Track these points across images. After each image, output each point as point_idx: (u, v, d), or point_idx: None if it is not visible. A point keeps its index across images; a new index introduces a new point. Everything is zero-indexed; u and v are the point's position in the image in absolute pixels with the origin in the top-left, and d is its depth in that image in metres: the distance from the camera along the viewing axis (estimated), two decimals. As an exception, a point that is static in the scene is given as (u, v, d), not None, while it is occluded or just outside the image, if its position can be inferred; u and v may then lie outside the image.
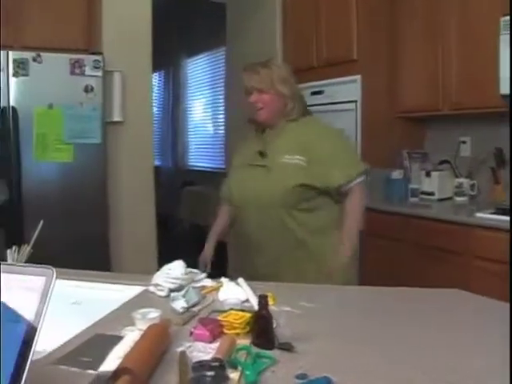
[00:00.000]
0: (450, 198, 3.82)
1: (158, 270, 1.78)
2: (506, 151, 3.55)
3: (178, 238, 7.69)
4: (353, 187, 2.25)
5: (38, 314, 0.86)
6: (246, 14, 5.05)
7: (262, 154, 2.30)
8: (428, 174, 3.86)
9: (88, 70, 3.68)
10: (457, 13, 3.47)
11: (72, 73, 3.64)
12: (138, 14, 4.11)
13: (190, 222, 7.69)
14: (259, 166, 2.29)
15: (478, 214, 3.11)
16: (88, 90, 3.68)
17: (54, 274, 0.88)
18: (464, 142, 3.92)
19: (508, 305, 1.64)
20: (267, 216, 2.22)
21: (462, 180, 3.77)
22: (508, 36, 3.07)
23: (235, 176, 2.45)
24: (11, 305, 0.88)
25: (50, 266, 0.89)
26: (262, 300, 1.29)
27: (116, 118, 3.99)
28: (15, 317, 0.87)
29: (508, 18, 3.08)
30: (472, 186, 3.75)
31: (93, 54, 3.75)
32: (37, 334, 0.86)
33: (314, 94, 3.94)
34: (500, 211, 3.07)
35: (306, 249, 2.23)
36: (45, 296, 0.87)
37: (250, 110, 2.40)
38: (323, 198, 2.25)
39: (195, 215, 7.42)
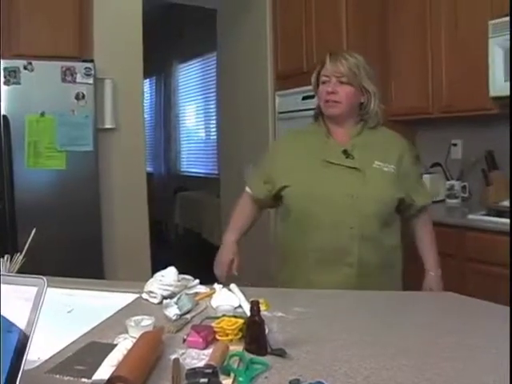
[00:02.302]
0: (442, 201, 3.84)
1: (151, 276, 1.78)
2: (497, 153, 3.57)
3: (172, 243, 7.70)
4: (427, 208, 2.24)
5: (30, 323, 0.87)
6: (236, 20, 5.06)
7: (347, 154, 2.04)
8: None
9: (79, 78, 3.69)
10: (447, 17, 3.50)
11: (63, 80, 3.65)
12: (128, 21, 4.12)
13: (183, 227, 7.71)
14: (347, 168, 2.02)
15: (470, 216, 3.13)
16: (79, 97, 3.68)
17: (46, 283, 0.88)
18: (455, 145, 3.94)
19: (504, 307, 1.65)
20: (357, 224, 1.98)
21: (453, 182, 3.79)
22: (497, 39, 3.10)
23: (307, 173, 2.07)
24: (4, 314, 0.89)
25: (41, 276, 0.89)
26: (254, 306, 1.29)
27: (108, 125, 3.99)
28: (8, 326, 0.88)
29: (496, 21, 3.11)
30: (463, 188, 3.78)
31: (84, 61, 3.75)
32: (29, 342, 0.86)
33: (305, 98, 3.95)
34: (492, 213, 3.09)
35: (389, 264, 2.10)
36: (37, 305, 0.87)
37: (321, 101, 2.11)
38: (397, 214, 2.15)
39: (188, 220, 7.43)
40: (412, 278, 2.13)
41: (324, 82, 2.07)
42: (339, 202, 1.98)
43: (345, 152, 2.04)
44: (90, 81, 3.72)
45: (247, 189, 2.25)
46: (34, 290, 0.89)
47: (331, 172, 2.02)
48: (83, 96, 3.70)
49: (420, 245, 2.25)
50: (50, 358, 1.25)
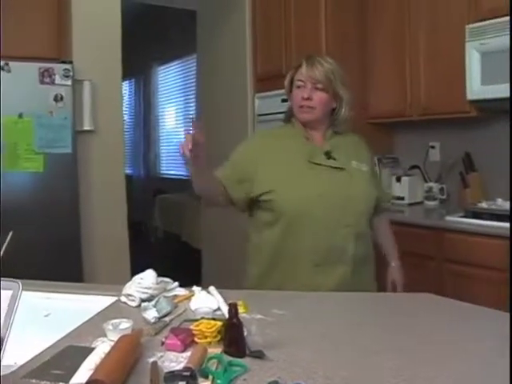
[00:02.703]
0: (420, 203, 3.87)
1: (130, 279, 1.77)
2: (474, 155, 3.62)
3: (152, 245, 7.67)
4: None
5: (5, 326, 0.86)
6: (216, 22, 5.06)
7: (328, 155, 2.07)
8: (398, 179, 3.91)
9: (58, 79, 3.65)
10: (425, 21, 3.55)
11: (41, 82, 3.62)
12: (107, 22, 4.09)
13: (163, 229, 7.68)
14: (332, 168, 2.05)
15: (448, 218, 3.16)
16: (58, 99, 3.65)
17: (21, 287, 0.88)
18: (433, 147, 3.98)
19: (481, 307, 1.67)
20: (351, 222, 2.02)
21: (431, 184, 3.83)
22: (474, 43, 3.14)
23: (297, 174, 2.04)
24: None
25: (16, 280, 0.88)
26: (232, 308, 1.29)
27: (87, 127, 3.96)
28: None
29: (473, 25, 3.16)
30: (441, 190, 3.82)
31: (62, 62, 3.72)
32: (3, 346, 0.85)
33: (284, 101, 3.94)
34: (469, 214, 3.13)
35: (372, 260, 2.18)
36: (11, 309, 0.87)
37: (295, 106, 2.10)
38: None
39: (168, 223, 7.41)
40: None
41: (299, 87, 2.07)
42: (334, 201, 2.00)
43: (327, 153, 2.06)
44: (69, 82, 3.69)
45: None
46: (8, 293, 0.88)
47: (318, 173, 2.03)
48: (62, 98, 3.66)
49: (384, 240, 2.36)
50: (27, 362, 1.23)
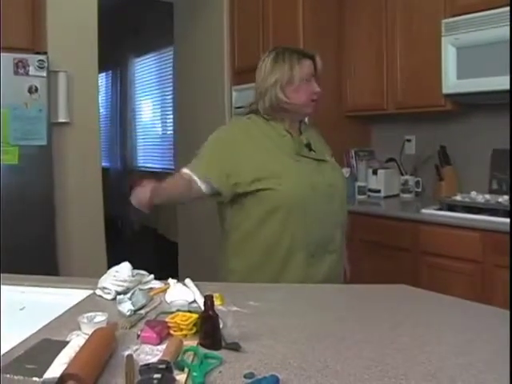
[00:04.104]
0: (396, 195, 3.91)
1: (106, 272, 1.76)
2: (449, 149, 3.66)
3: (128, 239, 7.64)
4: None
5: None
6: (193, 14, 5.03)
7: (310, 148, 2.14)
8: (375, 172, 3.93)
9: (32, 70, 3.61)
10: (401, 16, 3.57)
11: (16, 73, 3.56)
12: (84, 13, 4.04)
13: (139, 223, 7.65)
14: (315, 160, 2.12)
15: (424, 211, 3.19)
16: (32, 90, 3.60)
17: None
18: (409, 141, 4.02)
19: (456, 298, 1.69)
20: (338, 211, 2.12)
21: (407, 177, 3.87)
22: (450, 37, 3.17)
23: (289, 166, 2.03)
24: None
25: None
26: (208, 300, 1.29)
27: (62, 119, 3.91)
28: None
29: (449, 20, 3.19)
30: (417, 183, 3.86)
31: (37, 53, 3.67)
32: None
33: (261, 93, 3.96)
34: (444, 207, 3.16)
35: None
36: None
37: (306, 100, 2.11)
38: None
39: (145, 216, 7.36)
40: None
41: (308, 80, 2.10)
42: (323, 191, 2.04)
43: (307, 145, 2.12)
44: (44, 73, 3.64)
45: (195, 177, 1.99)
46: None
47: (305, 165, 2.06)
48: (36, 89, 3.62)
49: None
50: (0, 357, 1.22)
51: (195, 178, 1.98)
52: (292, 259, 2.00)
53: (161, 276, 1.86)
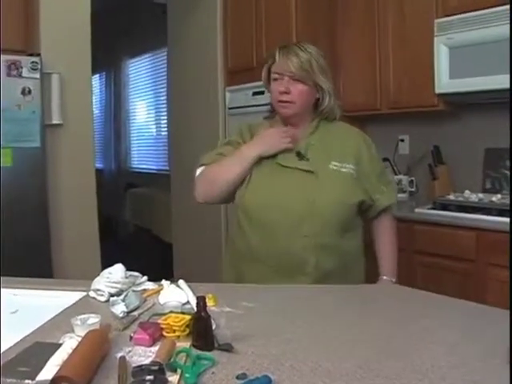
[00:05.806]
0: (390, 195, 3.90)
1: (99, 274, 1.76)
2: (443, 148, 3.67)
3: (122, 240, 7.63)
4: (391, 209, 2.13)
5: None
6: (186, 15, 5.03)
7: (300, 156, 1.95)
8: (369, 172, 3.93)
9: (25, 72, 3.59)
10: (394, 15, 3.58)
11: (8, 75, 3.54)
12: (77, 14, 4.01)
13: (133, 224, 7.65)
14: (300, 170, 1.92)
15: (418, 210, 3.21)
16: (25, 92, 3.59)
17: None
18: (402, 141, 4.04)
19: (450, 298, 1.70)
20: (312, 232, 1.88)
21: (401, 177, 3.88)
22: (442, 37, 3.19)
23: (261, 178, 1.95)
24: None
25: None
26: (200, 301, 1.29)
27: (55, 121, 3.90)
28: None
29: (442, 19, 3.20)
30: (411, 183, 3.87)
31: (30, 55, 3.65)
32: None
33: (255, 94, 3.96)
34: (438, 206, 3.18)
35: (350, 268, 2.02)
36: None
37: (274, 101, 2.00)
38: (359, 217, 2.05)
39: (139, 217, 7.38)
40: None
41: (276, 79, 1.95)
42: (295, 208, 1.88)
43: (298, 154, 1.95)
44: (37, 75, 3.63)
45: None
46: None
47: (285, 176, 1.93)
48: (29, 91, 3.60)
49: (379, 249, 2.15)
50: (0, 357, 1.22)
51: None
52: (253, 267, 1.97)
53: (156, 277, 1.86)
